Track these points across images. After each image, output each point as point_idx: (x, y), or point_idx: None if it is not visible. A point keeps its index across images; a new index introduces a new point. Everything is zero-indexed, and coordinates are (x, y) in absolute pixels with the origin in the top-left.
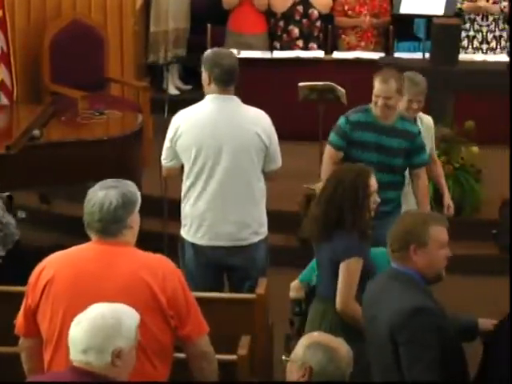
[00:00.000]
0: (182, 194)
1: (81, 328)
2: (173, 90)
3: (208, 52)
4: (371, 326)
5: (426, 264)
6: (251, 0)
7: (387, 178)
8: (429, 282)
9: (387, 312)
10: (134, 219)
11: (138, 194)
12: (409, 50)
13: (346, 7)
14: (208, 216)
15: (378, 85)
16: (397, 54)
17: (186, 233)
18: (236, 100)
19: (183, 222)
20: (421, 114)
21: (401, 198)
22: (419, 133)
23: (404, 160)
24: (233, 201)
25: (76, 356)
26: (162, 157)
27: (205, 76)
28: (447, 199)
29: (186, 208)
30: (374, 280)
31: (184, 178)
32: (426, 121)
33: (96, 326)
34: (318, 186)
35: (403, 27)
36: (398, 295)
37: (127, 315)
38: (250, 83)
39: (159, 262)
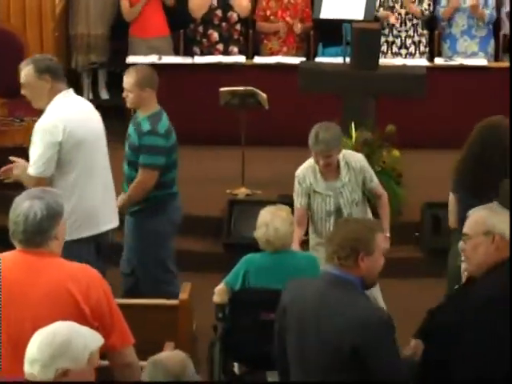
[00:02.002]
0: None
1: (34, 340)
2: (104, 95)
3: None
4: (303, 325)
5: (369, 270)
6: (151, 3)
7: None
8: (367, 287)
9: (343, 319)
10: (60, 230)
11: (64, 204)
12: (335, 55)
13: (268, 12)
14: None
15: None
16: (319, 59)
17: None
18: None
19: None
20: (347, 157)
21: None
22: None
23: None
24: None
25: (25, 366)
26: None
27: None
28: (385, 232)
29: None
30: (302, 281)
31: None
32: (353, 165)
33: (46, 341)
34: (241, 192)
35: (329, 32)
36: (354, 303)
37: (83, 337)
38: (171, 88)
39: (83, 272)
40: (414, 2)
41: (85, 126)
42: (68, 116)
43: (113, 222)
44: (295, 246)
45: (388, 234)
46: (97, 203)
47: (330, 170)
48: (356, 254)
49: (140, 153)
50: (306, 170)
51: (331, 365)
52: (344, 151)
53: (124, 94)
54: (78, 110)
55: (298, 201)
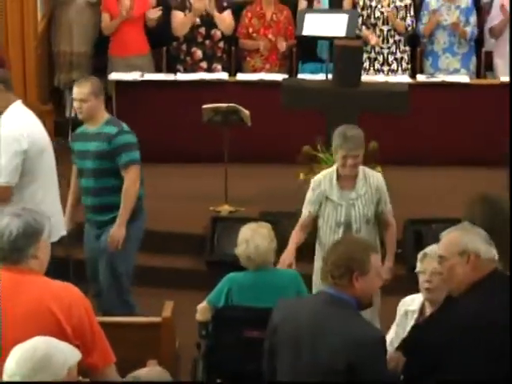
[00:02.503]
0: None
1: (13, 354)
2: None
3: None
4: (296, 344)
5: (363, 291)
6: (131, 22)
7: None
8: (362, 307)
9: (338, 338)
10: (41, 248)
11: (46, 222)
12: (313, 72)
13: (251, 30)
14: None
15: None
16: (301, 76)
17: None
18: None
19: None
20: (367, 172)
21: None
22: None
23: None
24: None
25: (4, 379)
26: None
27: None
28: (389, 262)
29: None
30: (294, 300)
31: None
32: (371, 181)
33: (25, 356)
34: (224, 209)
35: (307, 49)
36: (349, 322)
37: (61, 352)
38: (154, 106)
39: (65, 291)
40: (398, 17)
41: (43, 135)
42: (29, 125)
43: (64, 230)
44: (290, 247)
45: (391, 265)
46: (57, 211)
47: (355, 173)
48: (350, 274)
49: (116, 155)
50: (323, 176)
51: (324, 383)
52: (364, 166)
53: (77, 106)
54: (34, 120)
55: (307, 208)
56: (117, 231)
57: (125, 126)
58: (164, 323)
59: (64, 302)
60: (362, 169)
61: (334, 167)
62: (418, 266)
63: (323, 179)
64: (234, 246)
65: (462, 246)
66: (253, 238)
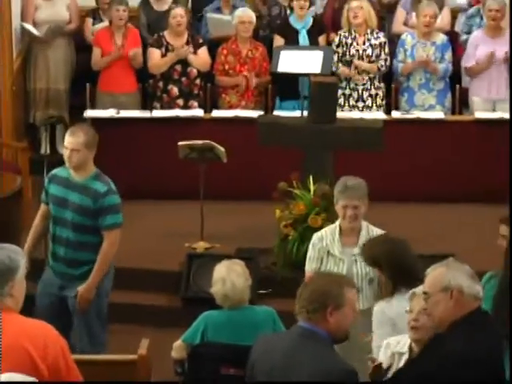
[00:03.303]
0: None
1: None
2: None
3: None
4: (271, 378)
5: (338, 325)
6: (121, 60)
7: None
8: (336, 341)
9: (307, 370)
10: (15, 286)
11: (21, 260)
12: (293, 109)
13: (227, 66)
14: None
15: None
16: (277, 113)
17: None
18: None
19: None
20: (371, 227)
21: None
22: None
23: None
24: None
25: None
26: None
27: None
28: None
29: None
30: (271, 336)
31: None
32: (375, 235)
33: None
34: (200, 246)
35: (287, 86)
36: (320, 356)
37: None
38: (130, 142)
39: (41, 330)
40: (370, 57)
41: None
42: None
43: None
44: None
45: None
46: None
47: (355, 226)
48: (324, 308)
49: (101, 215)
50: (325, 231)
51: None
52: (368, 223)
53: (67, 155)
54: None
55: (311, 266)
56: (87, 293)
57: (112, 185)
58: (140, 361)
59: (39, 341)
60: (365, 225)
61: (337, 223)
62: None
63: (325, 234)
64: (210, 283)
65: (445, 282)
66: (229, 276)
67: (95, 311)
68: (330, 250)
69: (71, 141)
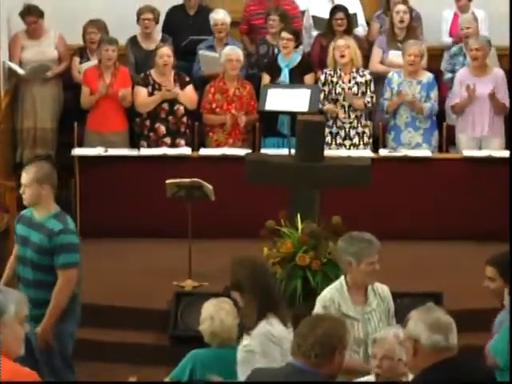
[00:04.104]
0: None
1: None
2: None
3: None
4: None
5: (339, 366)
6: (110, 99)
7: None
8: (329, 380)
9: None
10: (2, 329)
11: (9, 302)
12: (275, 146)
13: (214, 105)
14: None
15: None
16: (263, 151)
17: None
18: None
19: None
20: (376, 284)
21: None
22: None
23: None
24: None
25: None
26: None
27: None
28: None
29: None
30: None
31: None
32: (380, 291)
33: None
34: (188, 284)
35: (269, 124)
36: None
37: None
38: (117, 181)
39: (28, 376)
40: (356, 95)
41: None
42: None
43: None
44: None
45: None
46: None
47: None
48: (333, 352)
49: (55, 254)
50: (333, 291)
51: None
52: None
53: (21, 191)
54: None
55: None
56: (43, 333)
57: (70, 224)
58: None
59: None
60: None
61: (340, 281)
62: (370, 351)
63: (334, 295)
64: (198, 321)
65: (407, 332)
66: (217, 314)
67: (58, 351)
68: (344, 310)
69: (23, 177)
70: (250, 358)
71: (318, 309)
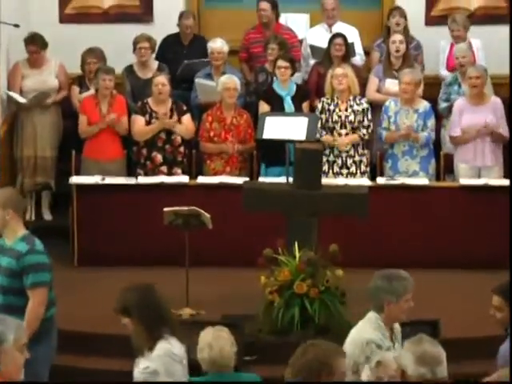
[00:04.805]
0: None
1: None
2: (48, 216)
3: None
4: None
5: None
6: (107, 127)
7: None
8: None
9: None
10: (1, 357)
11: (8, 331)
12: (279, 175)
13: (212, 133)
14: None
15: None
16: (262, 179)
17: None
18: None
19: None
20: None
21: None
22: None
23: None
24: None
25: None
26: None
27: None
28: None
29: None
30: None
31: None
32: (396, 332)
33: None
34: (185, 312)
35: (273, 152)
36: None
37: None
38: (114, 209)
39: None
40: (352, 123)
41: None
42: None
43: None
44: None
45: None
46: None
47: None
48: (319, 375)
49: (24, 275)
50: (377, 329)
51: None
52: None
53: None
54: None
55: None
56: None
57: (37, 245)
58: None
59: None
60: None
61: (376, 320)
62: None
63: (379, 333)
64: (195, 350)
65: (397, 360)
66: (216, 341)
67: (32, 378)
68: (386, 347)
69: None
70: (152, 379)
71: (370, 351)
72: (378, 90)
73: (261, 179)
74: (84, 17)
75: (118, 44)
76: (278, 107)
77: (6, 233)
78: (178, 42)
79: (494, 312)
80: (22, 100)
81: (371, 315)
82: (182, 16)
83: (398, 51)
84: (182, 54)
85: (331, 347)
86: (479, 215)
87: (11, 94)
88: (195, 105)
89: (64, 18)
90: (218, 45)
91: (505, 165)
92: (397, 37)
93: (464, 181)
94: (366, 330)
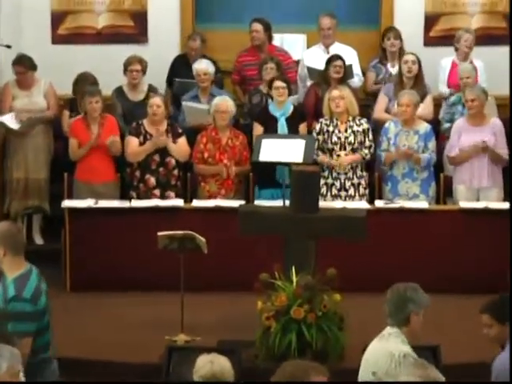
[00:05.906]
0: None
1: None
2: (39, 240)
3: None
4: None
5: None
6: (99, 149)
7: None
8: None
9: None
10: None
11: (2, 361)
12: (271, 197)
13: (206, 154)
14: None
15: None
16: (258, 202)
17: None
18: None
19: None
20: None
21: None
22: None
23: None
24: None
25: None
26: None
27: None
28: None
29: None
30: None
31: None
32: None
33: None
34: (180, 338)
35: (264, 174)
36: None
37: None
38: (108, 232)
39: None
40: (352, 144)
41: None
42: None
43: None
44: None
45: None
46: None
47: None
48: None
49: (7, 320)
50: (405, 343)
51: None
52: None
53: None
54: None
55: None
56: None
57: (26, 291)
58: None
59: None
60: None
61: (396, 333)
62: None
63: (408, 348)
64: (191, 376)
65: None
66: (217, 358)
67: None
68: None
69: None
70: None
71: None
72: (387, 110)
73: (256, 202)
74: (77, 37)
75: (111, 65)
76: (271, 128)
77: (4, 269)
78: (184, 62)
79: (487, 330)
80: (13, 127)
81: (391, 331)
82: (189, 38)
83: (410, 71)
84: (189, 76)
85: (310, 365)
86: (479, 239)
87: (2, 119)
88: (183, 127)
89: (56, 39)
90: (203, 66)
91: (505, 187)
92: (409, 57)
93: (464, 204)
94: (396, 344)
